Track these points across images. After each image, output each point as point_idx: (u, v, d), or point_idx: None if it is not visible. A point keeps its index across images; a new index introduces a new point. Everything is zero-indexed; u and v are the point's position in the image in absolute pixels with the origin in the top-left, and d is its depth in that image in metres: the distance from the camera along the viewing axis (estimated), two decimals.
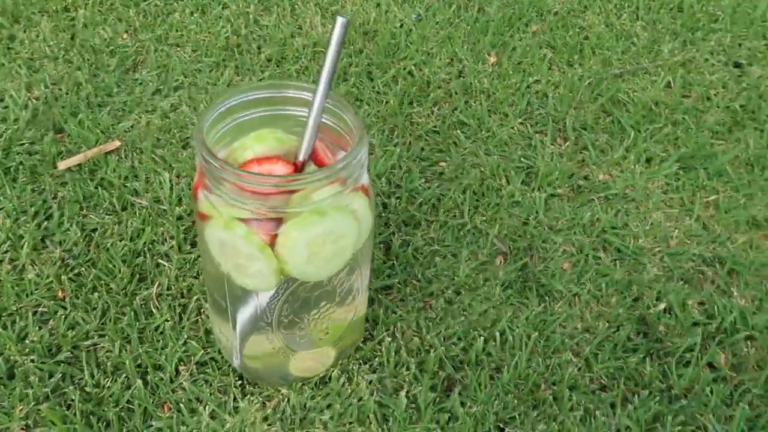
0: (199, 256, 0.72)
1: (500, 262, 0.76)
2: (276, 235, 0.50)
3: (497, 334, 0.67)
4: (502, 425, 0.61)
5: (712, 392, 0.64)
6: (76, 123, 0.87)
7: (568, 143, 0.91)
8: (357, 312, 0.61)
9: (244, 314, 0.56)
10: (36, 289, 0.68)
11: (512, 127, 0.93)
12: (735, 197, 0.85)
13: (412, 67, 1.01)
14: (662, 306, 0.71)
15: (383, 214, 0.79)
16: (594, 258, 0.76)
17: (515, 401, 0.62)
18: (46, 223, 0.75)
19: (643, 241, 0.79)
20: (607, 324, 0.69)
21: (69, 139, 0.86)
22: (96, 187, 0.79)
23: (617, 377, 0.65)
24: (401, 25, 1.09)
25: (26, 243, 0.72)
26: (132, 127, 0.88)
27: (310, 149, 0.53)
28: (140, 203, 0.78)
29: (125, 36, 1.03)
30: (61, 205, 0.77)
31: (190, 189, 0.80)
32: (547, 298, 0.72)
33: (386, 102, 0.94)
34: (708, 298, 0.73)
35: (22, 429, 0.58)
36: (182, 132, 0.87)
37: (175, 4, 1.10)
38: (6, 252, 0.72)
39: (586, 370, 0.65)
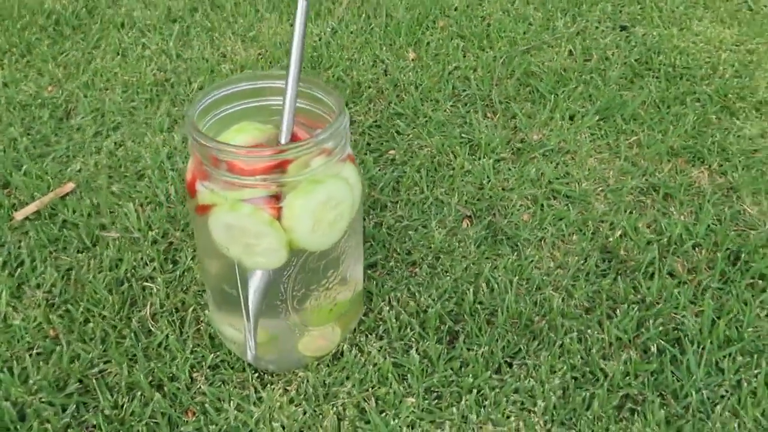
0: (185, 271, 0.73)
1: (467, 225, 0.81)
2: (280, 209, 0.53)
3: (483, 284, 0.72)
4: (509, 360, 0.65)
5: (679, 294, 0.71)
6: (21, 175, 0.86)
7: (498, 115, 0.98)
8: (357, 286, 0.64)
9: (256, 298, 0.57)
10: (26, 333, 0.67)
11: (445, 110, 0.99)
12: (652, 134, 0.95)
13: (341, 73, 1.06)
14: (618, 233, 0.78)
15: None
16: (548, 206, 0.83)
17: (515, 337, 0.67)
18: (18, 270, 0.73)
19: (585, 185, 0.86)
20: (575, 258, 0.76)
21: (18, 191, 0.84)
22: (60, 230, 0.78)
23: (597, 299, 0.71)
24: (319, 39, 1.14)
25: (2, 292, 0.70)
26: (80, 170, 0.87)
27: (290, 131, 0.57)
28: (111, 236, 0.78)
29: (50, 88, 1.02)
30: (29, 251, 0.76)
31: (156, 214, 0.80)
32: (517, 246, 0.78)
33: None
34: (653, 221, 0.81)
35: None
36: (134, 165, 0.88)
37: (94, 52, 1.10)
38: None
39: (569, 299, 0.71)
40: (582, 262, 0.75)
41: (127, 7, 1.22)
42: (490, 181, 0.86)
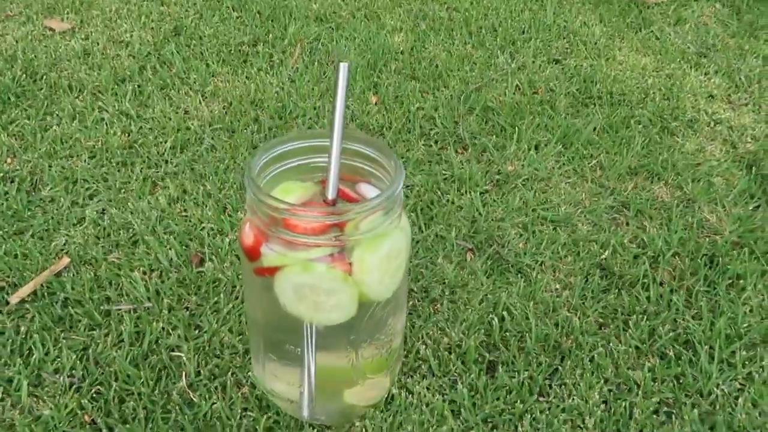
0: (213, 336, 0.71)
1: (471, 257, 0.84)
2: (351, 264, 0.54)
3: (504, 312, 0.75)
4: (549, 381, 0.69)
5: (676, 299, 0.78)
6: (1, 254, 0.80)
7: (469, 150, 1.04)
8: (403, 333, 0.66)
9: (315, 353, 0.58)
10: (59, 423, 0.62)
11: (419, 149, 1.03)
12: (609, 156, 1.03)
13: (308, 121, 1.07)
14: (608, 251, 0.85)
15: None
16: (539, 231, 0.88)
17: (548, 359, 0.71)
18: (30, 358, 0.68)
19: (565, 208, 0.93)
20: (578, 278, 0.81)
21: (2, 274, 0.78)
22: (64, 308, 0.74)
23: (608, 314, 0.77)
24: (281, 88, 1.15)
25: (21, 383, 0.65)
26: (66, 243, 0.83)
27: (337, 187, 0.58)
28: (123, 308, 0.74)
29: (9, 161, 0.96)
30: (37, 335, 0.71)
31: (164, 281, 0.77)
32: (523, 272, 0.82)
33: None
34: (634, 236, 0.88)
35: None
36: (124, 232, 0.84)
37: (47, 118, 1.05)
38: (2, 400, 0.64)
39: (584, 317, 0.76)
40: (584, 281, 0.81)
41: (68, 70, 1.17)
42: (481, 214, 0.91)
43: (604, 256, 0.84)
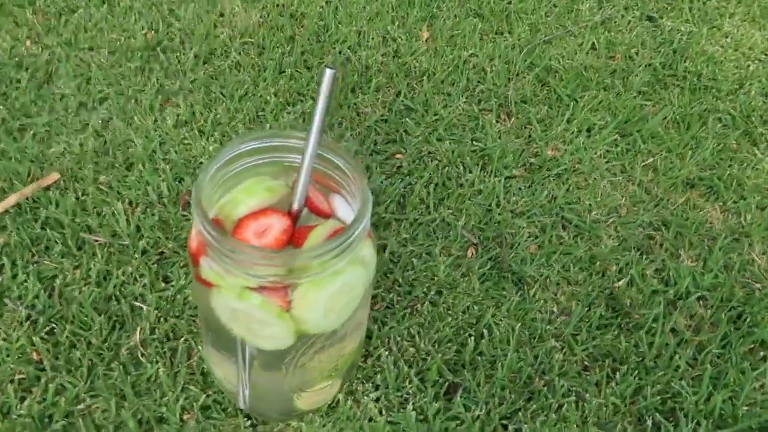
0: (177, 292, 0.70)
1: (472, 254, 0.78)
2: (290, 301, 0.49)
3: (485, 331, 0.70)
4: (505, 422, 0.65)
5: (679, 357, 0.70)
6: None
7: (512, 119, 0.93)
8: (361, 339, 0.62)
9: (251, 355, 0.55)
10: (7, 356, 0.64)
11: (457, 107, 0.93)
12: (669, 158, 0.91)
13: (348, 51, 0.98)
14: (625, 280, 0.77)
15: None
16: (557, 237, 0.80)
17: (512, 396, 0.66)
18: None
19: (596, 213, 0.83)
20: (579, 304, 0.74)
21: None
22: (43, 228, 0.74)
23: (597, 356, 0.70)
24: (328, 2, 1.05)
25: None
26: (64, 152, 0.81)
27: (305, 197, 0.52)
28: (97, 240, 0.73)
29: (28, 43, 0.93)
30: (9, 253, 0.71)
31: (147, 218, 0.75)
32: (521, 285, 0.75)
33: None
34: (661, 265, 0.79)
35: None
36: (122, 152, 0.82)
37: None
38: None
39: (570, 354, 0.70)
40: (586, 309, 0.74)
41: None
42: (499, 202, 0.83)
43: (617, 284, 0.76)
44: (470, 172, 0.85)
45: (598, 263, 0.78)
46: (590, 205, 0.84)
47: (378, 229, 0.78)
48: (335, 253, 0.47)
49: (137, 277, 0.71)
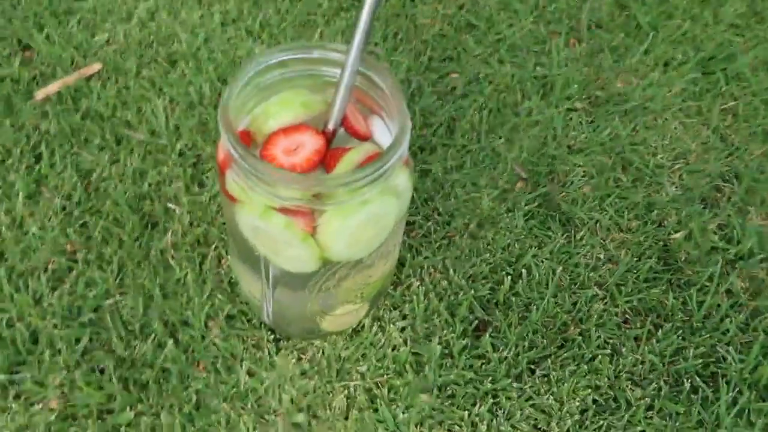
0: (211, 199, 0.69)
1: (521, 187, 0.74)
2: (315, 227, 0.47)
3: (523, 271, 0.67)
4: (533, 366, 0.63)
5: (730, 321, 0.66)
6: (43, 38, 0.78)
7: (582, 45, 0.86)
8: (391, 267, 0.60)
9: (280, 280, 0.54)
10: (42, 245, 0.65)
11: (523, 27, 0.86)
12: (753, 103, 0.83)
13: None
14: (683, 233, 0.71)
15: None
16: (614, 179, 0.75)
17: (544, 341, 0.64)
18: (36, 165, 0.69)
19: (661, 157, 0.77)
20: (629, 253, 0.70)
21: (39, 58, 0.77)
22: (83, 119, 0.73)
23: (641, 310, 0.67)
24: None
25: (20, 191, 0.67)
26: (108, 41, 0.79)
27: (341, 116, 0.49)
28: (136, 137, 0.72)
29: None
30: (49, 142, 0.71)
31: (187, 119, 0.74)
32: (569, 226, 0.71)
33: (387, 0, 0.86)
34: (725, 220, 0.73)
35: (60, 397, 0.57)
36: (166, 47, 0.79)
37: None
38: (0, 202, 0.67)
39: (611, 304, 0.67)
40: (635, 260, 0.70)
41: None
42: (556, 136, 0.77)
43: (674, 237, 0.71)
44: (529, 100, 0.80)
45: (655, 212, 0.73)
46: (656, 147, 0.78)
47: (423, 153, 0.75)
48: (365, 182, 0.44)
49: (173, 178, 0.70)
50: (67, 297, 0.62)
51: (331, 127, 0.49)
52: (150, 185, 0.69)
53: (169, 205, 0.68)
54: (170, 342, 0.60)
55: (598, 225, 0.72)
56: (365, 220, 0.47)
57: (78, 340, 0.60)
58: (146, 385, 0.59)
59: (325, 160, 0.49)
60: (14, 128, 0.71)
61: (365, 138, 0.51)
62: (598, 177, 0.75)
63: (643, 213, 0.73)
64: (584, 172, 0.75)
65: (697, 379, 0.62)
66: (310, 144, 0.49)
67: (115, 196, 0.67)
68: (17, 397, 0.57)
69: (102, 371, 0.59)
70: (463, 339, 0.63)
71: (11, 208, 0.66)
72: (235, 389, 0.59)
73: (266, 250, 0.49)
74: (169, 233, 0.66)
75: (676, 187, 0.75)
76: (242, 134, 0.50)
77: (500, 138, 0.76)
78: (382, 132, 0.51)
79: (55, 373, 0.58)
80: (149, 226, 0.67)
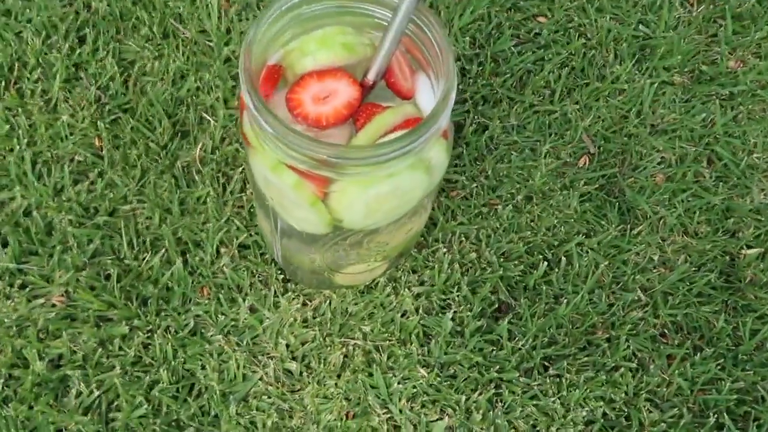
0: None
1: (585, 163, 0.67)
2: (327, 193, 0.43)
3: (563, 258, 0.62)
4: (547, 364, 0.59)
5: None
6: None
7: (701, 8, 0.74)
8: (416, 233, 0.55)
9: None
10: (71, 134, 0.63)
11: None
12: None
13: None
14: (757, 251, 0.63)
15: (460, 86, 0.68)
16: (695, 173, 0.67)
17: (566, 339, 0.59)
18: (79, 48, 0.67)
19: (757, 157, 0.68)
20: (688, 261, 0.63)
21: None
22: (134, 4, 0.69)
23: (683, 327, 0.61)
24: None
25: (58, 72, 0.65)
26: None
27: (384, 69, 0.43)
28: (183, 34, 0.68)
29: None
30: (96, 24, 0.68)
31: (239, 21, 0.69)
32: (628, 217, 0.64)
33: None
34: None
35: (62, 296, 0.58)
36: None
37: None
38: (37, 81, 0.65)
39: (651, 314, 0.61)
40: (693, 270, 0.63)
41: None
42: (641, 112, 0.68)
43: (745, 252, 0.63)
44: (621, 63, 0.70)
45: (732, 220, 0.65)
46: (754, 144, 0.68)
47: (485, 104, 0.68)
48: (389, 157, 0.39)
49: (213, 87, 0.66)
50: (86, 194, 0.61)
51: (371, 78, 0.44)
52: (189, 90, 0.66)
53: (205, 115, 0.65)
54: (179, 261, 0.59)
55: (661, 222, 0.65)
56: (387, 192, 0.43)
57: (90, 241, 0.60)
58: (147, 301, 0.58)
59: (356, 115, 0.44)
60: (64, 4, 0.69)
61: (407, 97, 0.46)
62: (676, 167, 0.67)
63: (717, 218, 0.65)
64: (662, 158, 0.67)
65: (726, 415, 0.57)
66: (343, 93, 0.44)
67: (152, 95, 0.65)
68: (23, 287, 0.58)
69: (107, 277, 0.59)
70: (479, 320, 0.59)
71: (47, 89, 0.65)
72: (233, 323, 0.58)
73: (275, 203, 0.46)
74: (199, 146, 0.64)
75: (765, 195, 0.66)
76: (272, 69, 0.45)
77: (576, 103, 0.68)
78: (427, 94, 0.45)
79: (62, 270, 0.58)
80: (180, 134, 0.64)
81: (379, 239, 0.49)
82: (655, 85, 0.69)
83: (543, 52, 0.70)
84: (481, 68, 0.69)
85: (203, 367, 0.57)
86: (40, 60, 0.66)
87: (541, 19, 0.72)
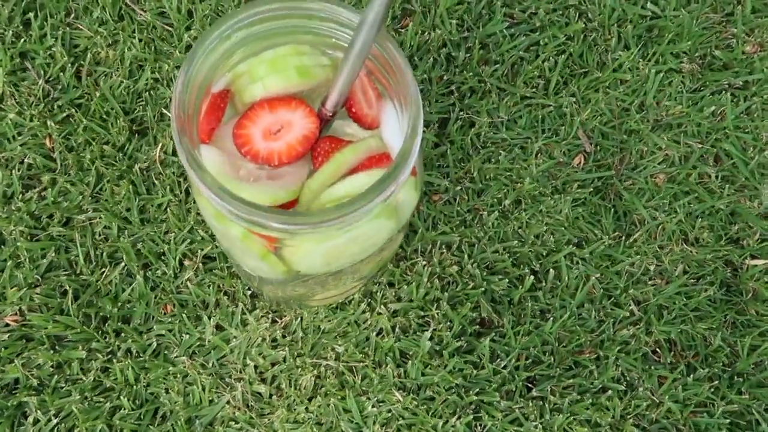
0: None
1: (580, 162, 0.62)
2: (278, 246, 0.39)
3: (552, 270, 0.59)
4: (530, 385, 0.57)
5: None
6: None
7: None
8: (390, 255, 0.52)
9: None
10: (19, 134, 0.59)
11: None
12: None
13: None
14: (763, 263, 0.60)
15: (445, 75, 0.63)
16: (699, 173, 0.63)
17: (552, 358, 0.57)
18: (23, 33, 0.61)
19: None
20: (687, 272, 0.60)
21: None
22: None
23: (678, 344, 0.58)
24: None
25: (2, 62, 0.60)
26: None
27: (345, 98, 0.39)
28: (141, 15, 0.63)
29: None
30: (42, 2, 0.62)
31: (202, 2, 0.63)
32: (623, 223, 0.61)
33: None
34: None
35: (15, 314, 0.56)
36: None
37: None
38: None
39: (644, 329, 0.58)
40: (692, 281, 0.60)
41: None
42: (644, 104, 0.63)
43: (749, 263, 0.60)
44: (625, 48, 0.65)
45: (737, 226, 0.61)
46: (765, 143, 0.64)
47: (472, 96, 0.63)
48: (348, 221, 0.35)
49: (173, 78, 0.61)
50: (38, 202, 0.58)
51: (330, 107, 0.40)
52: (146, 83, 0.61)
53: (165, 111, 0.60)
54: (140, 275, 0.56)
55: (660, 228, 0.61)
56: (347, 241, 0.40)
57: (44, 255, 0.57)
58: (106, 321, 0.56)
59: (314, 151, 0.40)
60: None
61: (371, 127, 0.42)
62: (679, 166, 0.63)
63: (720, 224, 0.61)
64: (665, 156, 0.63)
65: None
66: (298, 126, 0.40)
67: (106, 89, 0.60)
68: None
69: (64, 293, 0.56)
70: (460, 339, 0.56)
71: None
72: (198, 343, 0.56)
73: (224, 248, 0.42)
74: (159, 147, 0.60)
75: None
76: (217, 97, 0.41)
77: (572, 95, 0.63)
78: (393, 125, 0.41)
79: (14, 286, 0.56)
80: (137, 134, 0.60)
81: (346, 275, 0.46)
82: (662, 73, 0.64)
83: (538, 36, 0.64)
84: (468, 55, 0.63)
85: (167, 391, 0.55)
86: None
87: None
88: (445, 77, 0.63)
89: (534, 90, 0.64)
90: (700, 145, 0.64)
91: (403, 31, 0.65)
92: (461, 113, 0.63)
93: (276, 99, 0.40)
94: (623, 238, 0.61)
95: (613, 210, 0.62)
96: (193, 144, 0.37)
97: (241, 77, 0.41)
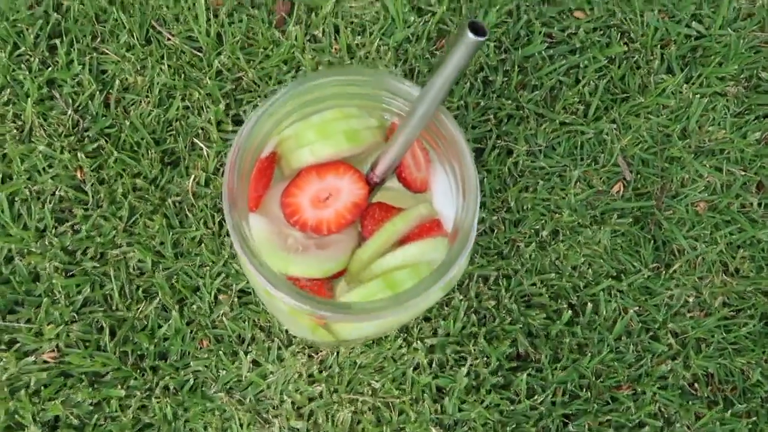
0: None
1: (619, 190, 0.62)
2: (326, 321, 0.40)
3: (589, 304, 0.59)
4: (567, 421, 0.58)
5: None
6: None
7: None
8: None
9: None
10: (49, 167, 0.60)
11: None
12: None
13: None
14: None
15: (482, 102, 0.62)
16: (742, 202, 0.63)
17: (588, 393, 0.58)
18: (50, 59, 0.61)
19: None
20: (727, 305, 0.60)
21: None
22: (110, 3, 0.62)
23: (716, 379, 0.60)
24: None
25: (29, 91, 0.60)
26: None
27: (395, 166, 0.39)
28: (169, 38, 0.62)
29: None
30: (68, 28, 0.62)
31: (230, 24, 0.62)
32: (663, 253, 0.61)
33: None
34: None
35: (53, 351, 0.57)
36: None
37: None
38: (7, 104, 0.60)
39: (682, 363, 0.59)
40: (731, 314, 0.60)
41: None
42: (687, 129, 0.63)
43: None
44: (668, 71, 0.64)
45: None
46: None
47: (509, 122, 0.63)
48: (407, 307, 0.35)
49: (204, 106, 0.61)
50: (71, 236, 0.59)
51: (379, 174, 0.40)
52: (177, 110, 0.61)
53: (196, 140, 0.60)
54: (175, 310, 0.57)
55: (700, 259, 0.61)
56: (389, 324, 0.40)
57: (79, 291, 0.58)
58: (143, 357, 0.57)
59: (363, 219, 0.40)
60: (29, 1, 0.62)
61: (420, 190, 0.42)
62: (721, 194, 0.63)
63: (762, 254, 0.62)
64: (706, 183, 0.63)
65: None
66: (347, 193, 0.40)
67: (136, 117, 0.60)
68: (11, 343, 0.56)
69: (100, 330, 0.57)
70: (497, 375, 0.57)
71: (19, 111, 0.61)
72: (236, 378, 0.57)
73: (271, 312, 0.43)
74: (192, 178, 0.60)
75: None
76: (266, 160, 0.41)
77: (612, 121, 0.63)
78: (444, 191, 0.41)
79: (51, 323, 0.57)
80: (169, 165, 0.61)
81: (391, 331, 0.47)
82: (707, 97, 0.63)
83: (578, 57, 0.64)
84: (506, 79, 0.63)
85: (206, 428, 0.57)
86: (8, 77, 0.61)
87: (578, 14, 0.65)
88: (481, 103, 0.63)
89: (573, 116, 0.64)
90: (743, 173, 0.63)
91: (437, 53, 0.64)
92: (498, 141, 0.63)
93: (324, 165, 0.41)
94: (662, 269, 0.61)
95: (652, 240, 0.62)
96: (241, 217, 0.38)
97: (288, 140, 0.42)
